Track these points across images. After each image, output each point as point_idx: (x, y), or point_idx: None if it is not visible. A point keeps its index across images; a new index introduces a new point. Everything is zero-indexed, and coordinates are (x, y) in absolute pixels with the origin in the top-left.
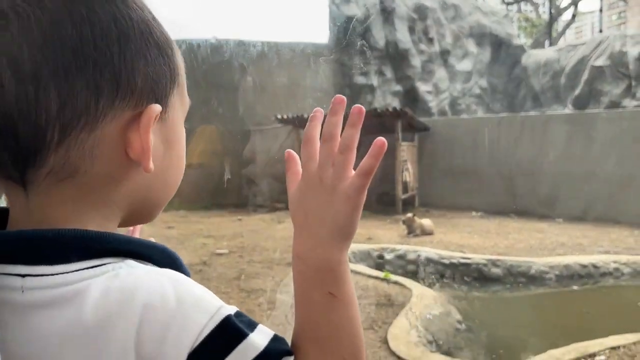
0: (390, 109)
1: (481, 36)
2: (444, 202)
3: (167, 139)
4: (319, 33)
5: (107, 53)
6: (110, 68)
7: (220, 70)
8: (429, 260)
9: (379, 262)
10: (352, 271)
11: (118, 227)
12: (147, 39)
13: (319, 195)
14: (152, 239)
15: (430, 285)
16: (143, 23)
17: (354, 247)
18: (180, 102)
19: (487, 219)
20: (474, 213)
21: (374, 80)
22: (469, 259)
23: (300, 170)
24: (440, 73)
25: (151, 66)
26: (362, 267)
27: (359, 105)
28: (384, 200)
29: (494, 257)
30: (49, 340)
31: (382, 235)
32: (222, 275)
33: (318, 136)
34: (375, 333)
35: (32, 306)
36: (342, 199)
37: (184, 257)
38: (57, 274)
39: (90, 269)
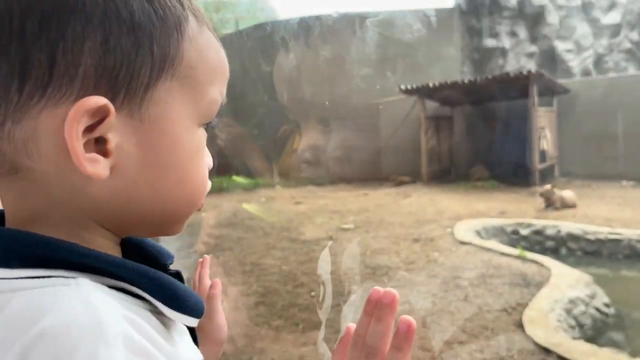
0: (525, 72)
1: None
2: (588, 171)
3: (147, 143)
4: None
5: (39, 33)
6: (44, 50)
7: (345, 45)
8: (571, 236)
9: (513, 238)
10: (483, 248)
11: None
12: (107, 13)
13: None
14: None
15: (572, 264)
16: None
17: (486, 222)
18: (189, 99)
19: None
20: (624, 182)
21: (506, 42)
22: (619, 234)
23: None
24: (583, 28)
25: (112, 52)
26: (494, 244)
27: (408, 318)
28: (519, 171)
29: None
30: None
31: (516, 209)
32: (348, 251)
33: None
34: (509, 316)
35: None
36: None
37: (311, 233)
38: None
39: (29, 279)
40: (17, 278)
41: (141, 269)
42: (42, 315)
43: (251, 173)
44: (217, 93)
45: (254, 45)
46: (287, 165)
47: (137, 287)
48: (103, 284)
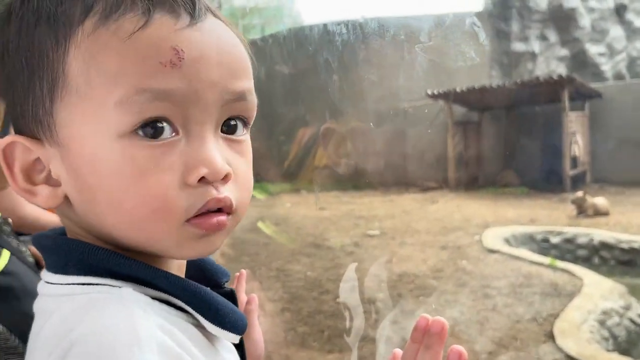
0: (555, 77)
1: None
2: (622, 178)
3: (71, 168)
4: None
5: None
6: None
7: (376, 50)
8: (604, 245)
9: (544, 247)
10: (512, 256)
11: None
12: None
13: None
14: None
15: (605, 274)
16: None
17: (515, 229)
18: (92, 112)
19: None
20: None
21: (535, 46)
22: None
23: None
24: (616, 31)
25: (12, 86)
26: (524, 252)
27: (459, 348)
28: (549, 177)
29: None
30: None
31: (547, 216)
32: (373, 257)
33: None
34: (540, 326)
35: (37, 311)
36: None
37: (336, 239)
38: (56, 284)
39: (81, 286)
40: (70, 284)
41: (184, 283)
42: (79, 323)
43: (276, 178)
44: (130, 89)
45: (280, 50)
46: (311, 171)
47: (180, 299)
48: (146, 294)
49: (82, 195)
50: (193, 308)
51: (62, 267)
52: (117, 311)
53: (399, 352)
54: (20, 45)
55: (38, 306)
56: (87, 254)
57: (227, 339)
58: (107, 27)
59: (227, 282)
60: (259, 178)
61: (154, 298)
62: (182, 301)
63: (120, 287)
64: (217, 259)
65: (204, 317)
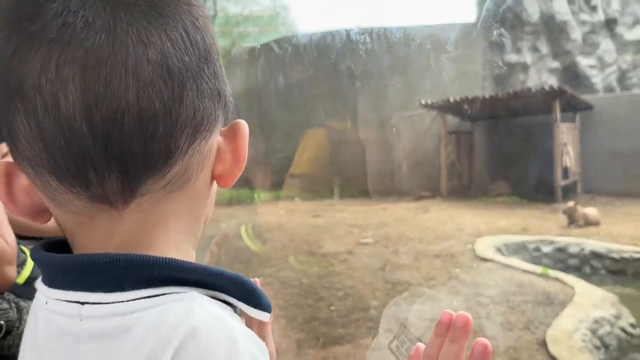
0: (547, 88)
1: None
2: (612, 189)
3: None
4: (466, 13)
5: (214, 58)
6: (217, 74)
7: (369, 59)
8: (595, 255)
9: (536, 256)
10: (505, 265)
11: None
12: (217, 49)
13: None
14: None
15: (596, 283)
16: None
17: (507, 238)
18: None
19: None
20: None
21: (528, 58)
22: None
23: None
24: (606, 44)
25: (222, 76)
26: (516, 261)
27: (484, 340)
28: (541, 187)
29: None
30: None
31: (539, 226)
32: (367, 265)
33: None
34: (532, 335)
35: (89, 336)
36: None
37: (330, 246)
38: (112, 303)
39: (145, 300)
40: (133, 300)
41: (232, 275)
42: (182, 322)
43: (270, 186)
44: None
45: (275, 59)
46: (310, 172)
47: (227, 294)
48: (207, 296)
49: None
50: (240, 299)
51: (117, 284)
52: (206, 315)
53: (421, 345)
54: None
55: (95, 329)
56: (148, 265)
57: (264, 319)
58: None
59: None
60: (253, 184)
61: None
62: (231, 295)
63: (185, 292)
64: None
65: (248, 305)
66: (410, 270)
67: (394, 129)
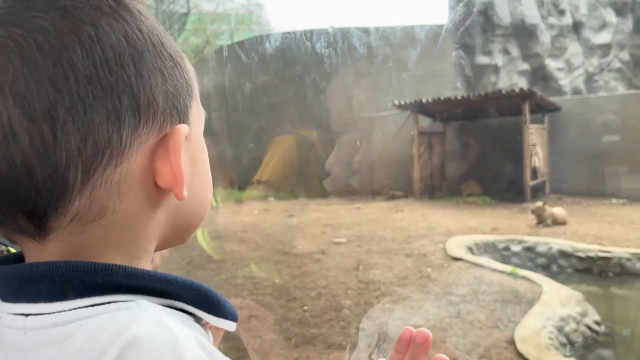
0: (517, 90)
1: (622, 4)
2: (579, 189)
3: (192, 158)
4: (439, 15)
5: (123, 75)
6: (129, 91)
7: (343, 59)
8: (562, 254)
9: (505, 255)
10: (475, 264)
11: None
12: (160, 51)
13: None
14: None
15: (563, 281)
16: (153, 34)
17: (477, 238)
18: (198, 114)
19: (631, 207)
20: (614, 200)
21: (498, 60)
22: (609, 252)
23: None
24: (574, 48)
25: (169, 81)
26: (486, 260)
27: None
28: (511, 188)
29: (639, 250)
30: None
31: (508, 226)
32: (340, 265)
33: None
34: (501, 332)
35: (33, 348)
36: None
37: (303, 246)
38: (55, 313)
39: (88, 308)
40: (75, 309)
41: (187, 282)
42: (123, 331)
43: (242, 185)
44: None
45: (249, 58)
46: (277, 178)
47: (184, 302)
48: (156, 303)
49: (197, 182)
50: (197, 306)
51: (59, 293)
52: (150, 324)
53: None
54: (172, 47)
55: (39, 340)
56: (92, 272)
57: (229, 329)
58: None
59: None
60: (226, 185)
61: (162, 306)
62: (186, 302)
63: (133, 300)
64: (183, 266)
65: (208, 313)
66: (383, 270)
67: (365, 129)
